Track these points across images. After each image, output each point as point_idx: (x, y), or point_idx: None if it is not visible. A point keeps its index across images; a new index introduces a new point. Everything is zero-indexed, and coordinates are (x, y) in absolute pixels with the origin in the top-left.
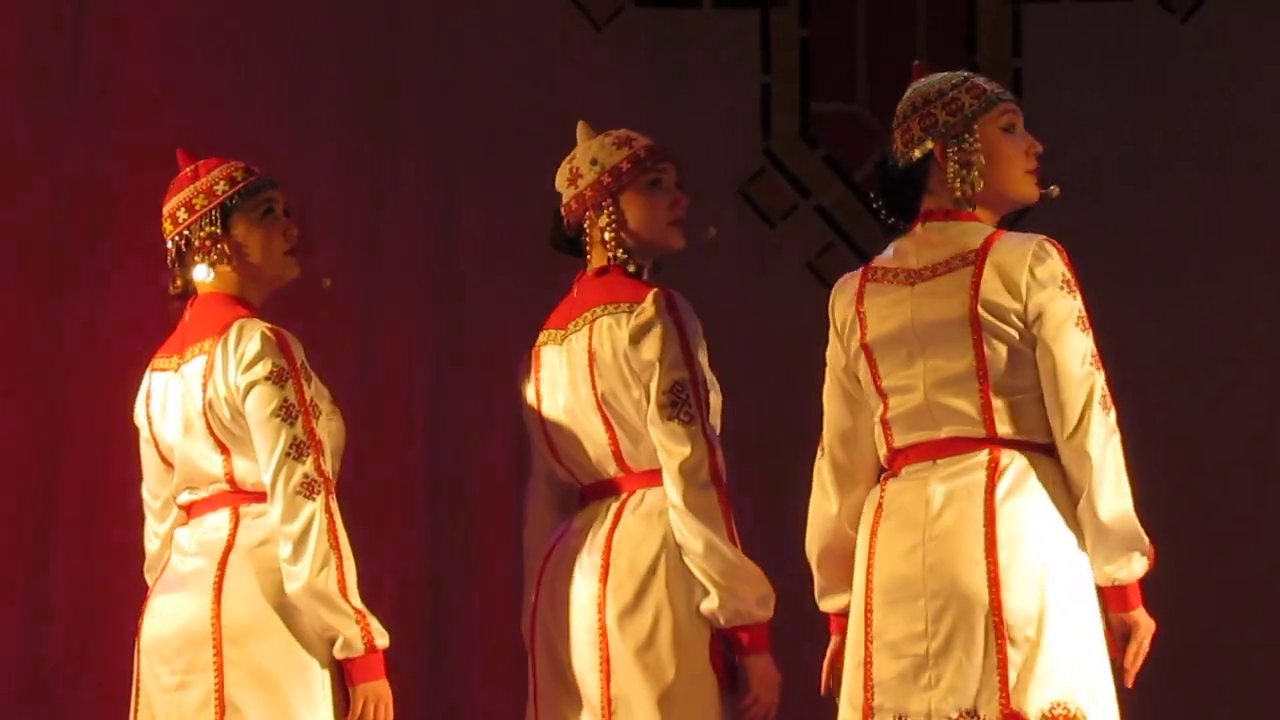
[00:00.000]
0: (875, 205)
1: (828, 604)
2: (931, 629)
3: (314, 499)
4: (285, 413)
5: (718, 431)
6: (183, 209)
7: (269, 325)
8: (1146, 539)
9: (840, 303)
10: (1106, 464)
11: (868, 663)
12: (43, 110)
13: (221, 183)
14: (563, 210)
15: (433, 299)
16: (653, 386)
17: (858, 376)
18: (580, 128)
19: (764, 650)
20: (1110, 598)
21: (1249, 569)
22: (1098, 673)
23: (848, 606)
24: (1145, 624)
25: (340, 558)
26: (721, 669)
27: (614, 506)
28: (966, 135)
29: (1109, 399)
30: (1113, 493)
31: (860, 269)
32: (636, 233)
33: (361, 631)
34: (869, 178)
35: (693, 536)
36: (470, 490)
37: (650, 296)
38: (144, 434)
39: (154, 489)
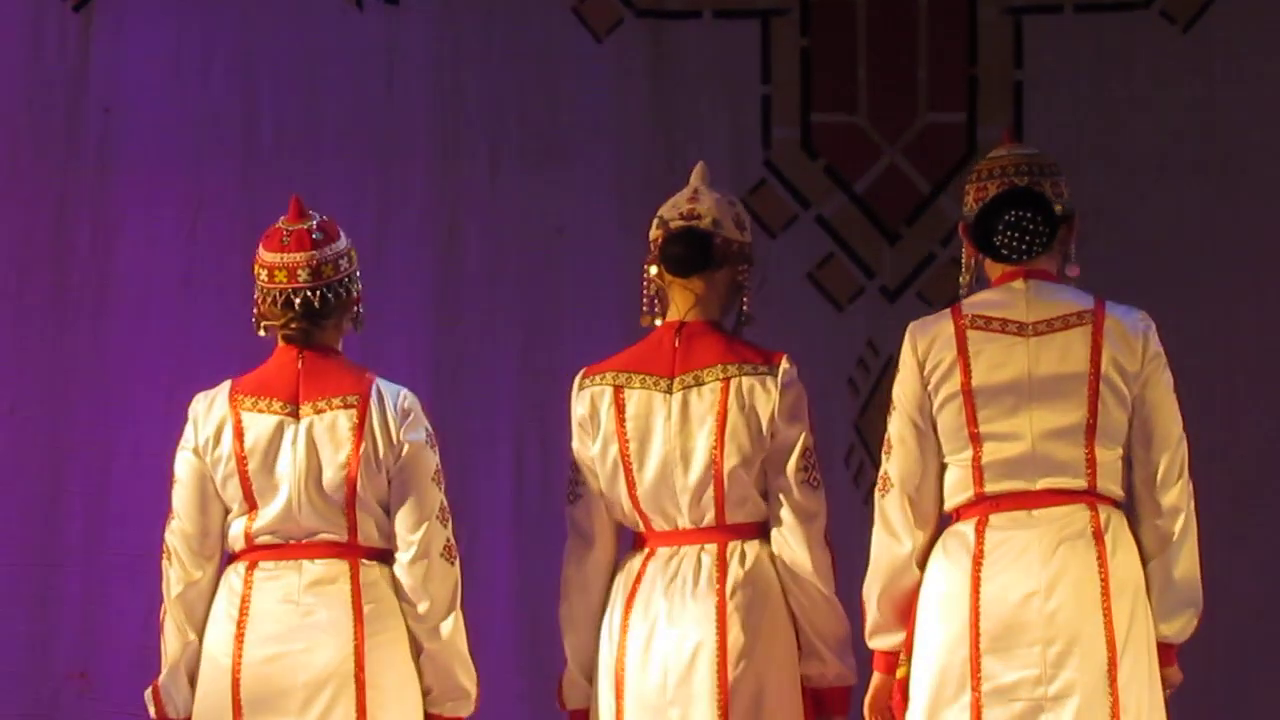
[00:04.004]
0: (1026, 230)
1: (881, 641)
2: (1050, 673)
3: (454, 563)
4: (438, 478)
5: None
6: (345, 259)
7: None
8: (1201, 603)
9: (933, 345)
10: (1187, 526)
11: (976, 706)
12: (46, 128)
13: (353, 249)
14: (719, 240)
15: (435, 315)
16: (796, 450)
17: (933, 418)
18: (701, 168)
19: (846, 713)
20: (1164, 654)
21: (1252, 586)
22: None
23: (899, 644)
24: (1179, 679)
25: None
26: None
27: (707, 558)
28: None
29: (1186, 470)
30: (1190, 553)
31: (947, 312)
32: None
33: (477, 695)
34: (870, 189)
35: (815, 597)
36: (470, 506)
37: (787, 362)
38: (223, 469)
39: (206, 525)
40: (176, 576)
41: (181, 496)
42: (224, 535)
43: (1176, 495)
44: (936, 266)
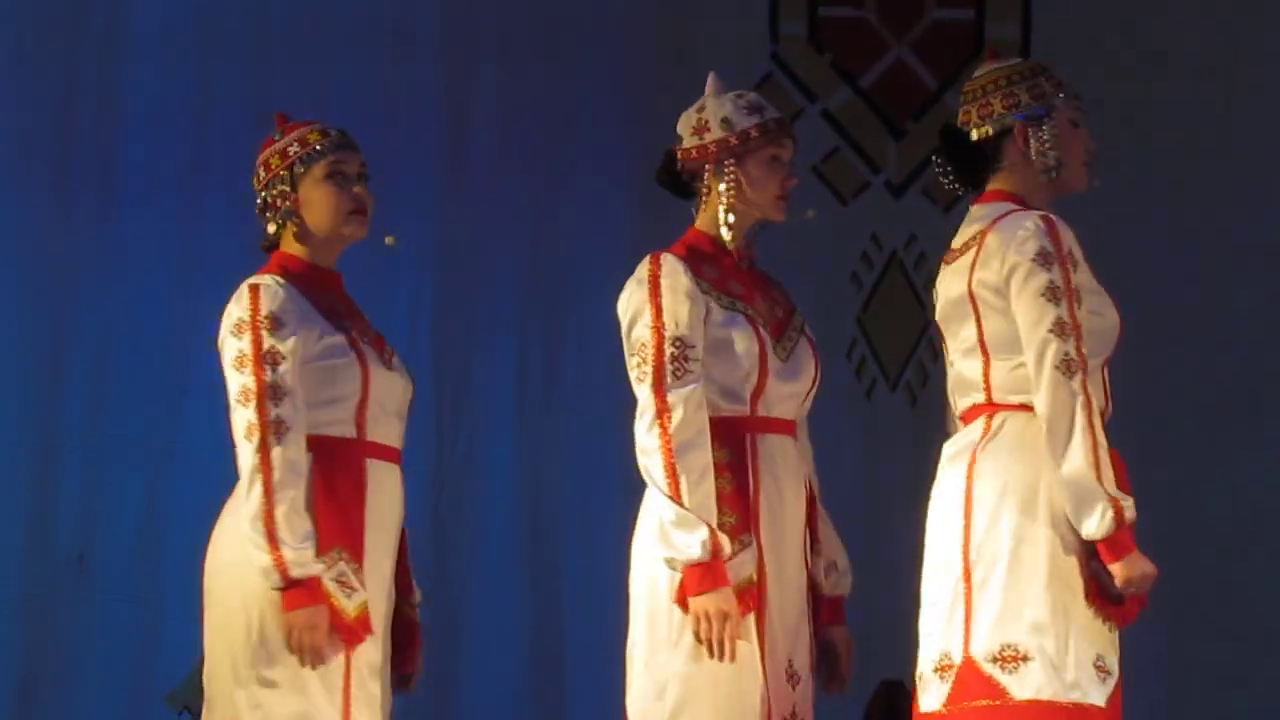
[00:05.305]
0: (940, 171)
1: None
2: (927, 584)
3: (252, 441)
4: (239, 362)
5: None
6: (262, 167)
7: (268, 278)
8: (1106, 496)
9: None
10: (1059, 425)
11: (916, 619)
12: (51, 13)
13: (295, 145)
14: (679, 154)
15: (441, 206)
16: (626, 342)
17: None
18: (710, 79)
19: (703, 591)
20: (1098, 551)
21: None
22: (1042, 611)
23: None
24: (1133, 572)
25: (269, 503)
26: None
27: None
28: (1046, 119)
29: (1074, 364)
30: (1067, 452)
31: None
32: (749, 199)
33: (276, 564)
34: (877, 84)
35: (648, 487)
36: (472, 394)
37: (645, 262)
38: None
39: None
40: None
41: None
42: None
43: (1045, 397)
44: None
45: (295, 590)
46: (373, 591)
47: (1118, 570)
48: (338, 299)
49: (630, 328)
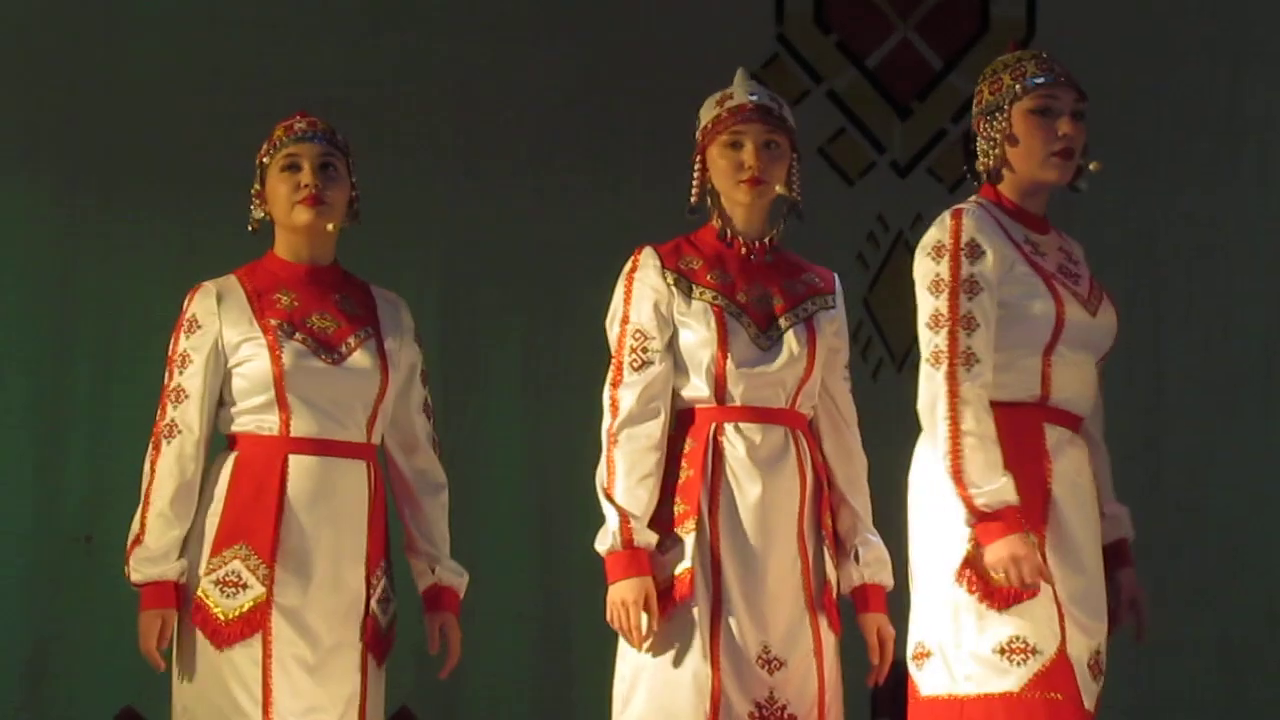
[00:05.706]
0: (965, 171)
1: None
2: None
3: (150, 443)
4: (167, 365)
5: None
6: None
7: (214, 280)
8: (957, 486)
9: None
10: (925, 417)
11: None
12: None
13: (265, 143)
14: None
15: (450, 185)
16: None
17: None
18: (738, 74)
19: (613, 580)
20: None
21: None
22: (937, 605)
23: None
24: (994, 556)
25: (145, 503)
26: None
27: None
28: (997, 115)
29: (942, 356)
30: (936, 445)
31: None
32: (715, 186)
33: (125, 568)
34: (882, 64)
35: None
36: (481, 374)
37: (633, 257)
38: None
39: None
40: None
41: None
42: None
43: (919, 390)
44: (947, 142)
45: (143, 592)
46: (313, 589)
47: (986, 555)
48: (308, 293)
49: (609, 324)
